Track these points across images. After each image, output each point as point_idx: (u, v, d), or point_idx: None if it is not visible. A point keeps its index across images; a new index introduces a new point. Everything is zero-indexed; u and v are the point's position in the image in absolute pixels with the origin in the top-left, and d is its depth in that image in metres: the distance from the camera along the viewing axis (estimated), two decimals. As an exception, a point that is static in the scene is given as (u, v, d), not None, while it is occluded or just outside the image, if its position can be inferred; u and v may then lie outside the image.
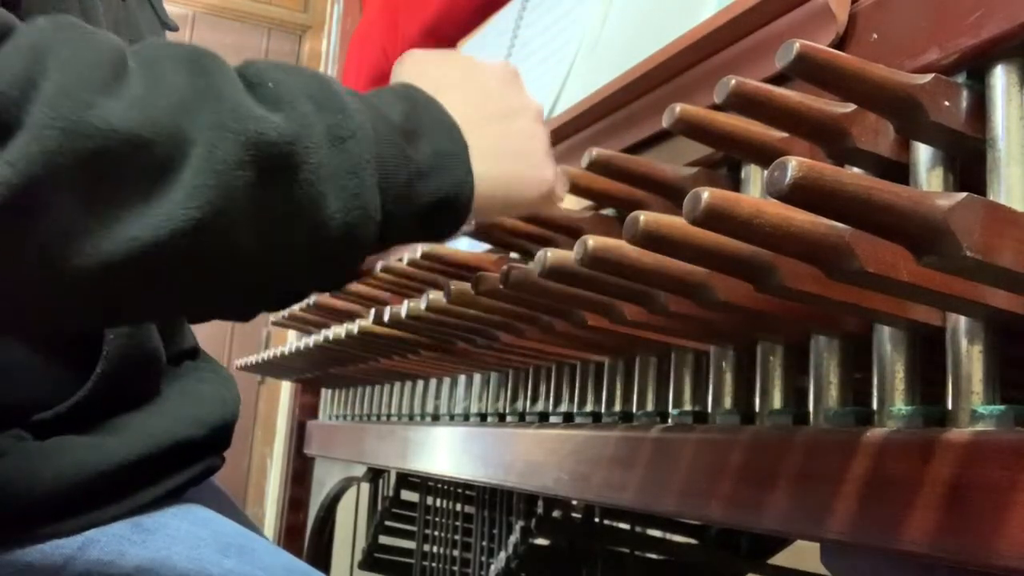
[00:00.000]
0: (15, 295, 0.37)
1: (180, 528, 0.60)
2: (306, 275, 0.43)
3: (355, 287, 0.88)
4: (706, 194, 0.33)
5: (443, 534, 1.27)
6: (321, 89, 0.42)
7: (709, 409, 0.58)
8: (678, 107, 0.46)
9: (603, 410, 0.70)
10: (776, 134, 0.49)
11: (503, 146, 0.49)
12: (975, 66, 0.44)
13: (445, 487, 1.28)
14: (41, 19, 0.37)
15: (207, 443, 0.65)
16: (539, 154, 0.50)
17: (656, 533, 1.35)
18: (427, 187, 0.44)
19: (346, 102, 0.42)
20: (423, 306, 0.64)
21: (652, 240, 0.37)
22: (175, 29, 0.74)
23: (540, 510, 1.09)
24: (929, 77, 0.42)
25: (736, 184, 0.59)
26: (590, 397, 0.72)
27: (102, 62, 0.36)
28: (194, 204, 0.36)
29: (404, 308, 0.69)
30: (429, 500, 1.31)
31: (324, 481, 1.55)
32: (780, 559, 1.34)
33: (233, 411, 0.68)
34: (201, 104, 0.38)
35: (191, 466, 0.64)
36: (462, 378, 0.96)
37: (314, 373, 1.28)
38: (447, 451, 0.93)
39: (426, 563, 1.31)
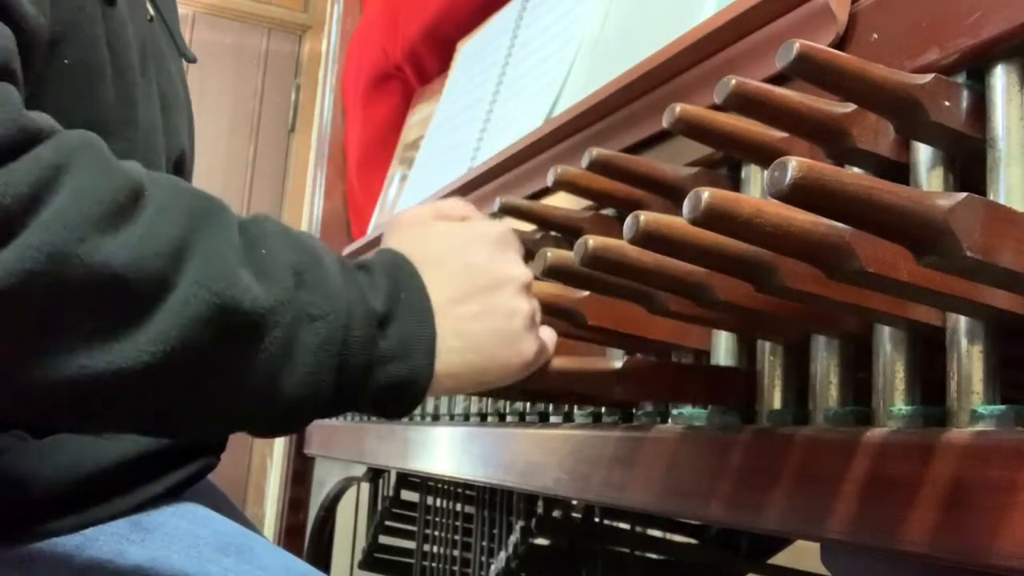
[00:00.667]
0: None
1: (179, 527, 0.60)
2: (253, 424, 0.45)
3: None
4: (706, 194, 0.33)
5: (443, 534, 1.27)
6: (311, 264, 0.44)
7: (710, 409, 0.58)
8: (678, 107, 0.46)
9: (603, 410, 0.70)
10: (776, 134, 0.49)
11: (478, 326, 0.49)
12: (975, 66, 0.44)
13: (445, 487, 1.28)
14: (75, 137, 0.39)
15: (204, 441, 0.65)
16: (516, 332, 0.50)
17: (656, 533, 1.35)
18: (384, 372, 0.45)
19: (330, 282, 0.44)
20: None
21: (652, 240, 0.37)
22: (193, 60, 0.74)
23: (540, 510, 1.09)
24: (929, 77, 0.42)
25: (736, 184, 0.59)
26: (590, 397, 0.72)
27: (110, 198, 0.38)
28: (151, 348, 0.39)
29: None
30: (429, 500, 1.31)
31: (324, 481, 1.55)
32: (780, 559, 1.34)
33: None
34: (191, 257, 0.40)
35: (188, 464, 0.64)
36: (462, 378, 0.96)
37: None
38: (447, 451, 0.93)
39: (426, 563, 1.31)
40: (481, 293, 0.49)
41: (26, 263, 0.36)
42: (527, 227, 0.73)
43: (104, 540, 0.55)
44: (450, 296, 0.48)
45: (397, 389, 0.46)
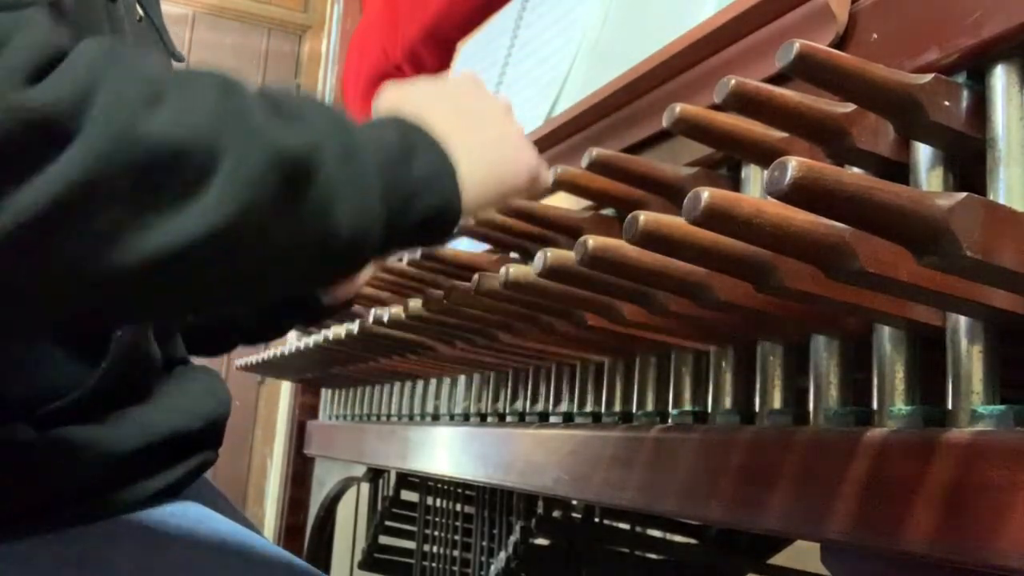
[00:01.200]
0: (62, 291, 0.41)
1: (179, 526, 0.60)
2: (313, 275, 0.49)
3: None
4: (706, 194, 0.33)
5: (443, 534, 1.27)
6: (331, 112, 0.47)
7: (709, 409, 0.58)
8: (678, 107, 0.46)
9: (603, 410, 0.70)
10: (776, 134, 0.49)
11: (484, 148, 0.55)
12: (975, 66, 0.44)
13: (445, 487, 1.28)
14: (94, 42, 0.41)
15: (201, 436, 0.66)
16: (516, 146, 0.57)
17: (656, 533, 1.35)
18: (424, 200, 0.49)
19: (352, 124, 0.48)
20: (423, 306, 0.64)
21: (652, 240, 0.37)
22: (181, 60, 0.76)
23: (540, 510, 1.09)
24: (929, 77, 0.42)
25: (736, 184, 0.59)
26: (590, 397, 0.72)
27: (148, 81, 0.41)
28: (223, 209, 0.41)
29: (404, 308, 0.69)
30: (429, 500, 1.31)
31: (324, 481, 1.55)
32: (780, 559, 1.34)
33: (225, 406, 0.69)
34: (231, 121, 0.42)
35: (187, 459, 0.65)
36: (462, 378, 0.96)
37: (314, 373, 1.28)
38: (447, 451, 0.93)
39: (426, 563, 1.31)
40: (474, 124, 0.55)
41: (96, 151, 0.38)
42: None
43: (104, 539, 0.55)
44: (450, 130, 0.52)
45: (438, 215, 0.50)
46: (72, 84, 0.39)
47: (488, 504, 1.16)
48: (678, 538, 1.36)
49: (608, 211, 0.70)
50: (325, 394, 1.53)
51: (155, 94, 0.40)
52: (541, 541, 1.18)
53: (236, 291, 0.47)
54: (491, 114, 0.58)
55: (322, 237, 0.45)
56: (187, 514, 0.63)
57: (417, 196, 0.49)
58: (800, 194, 0.32)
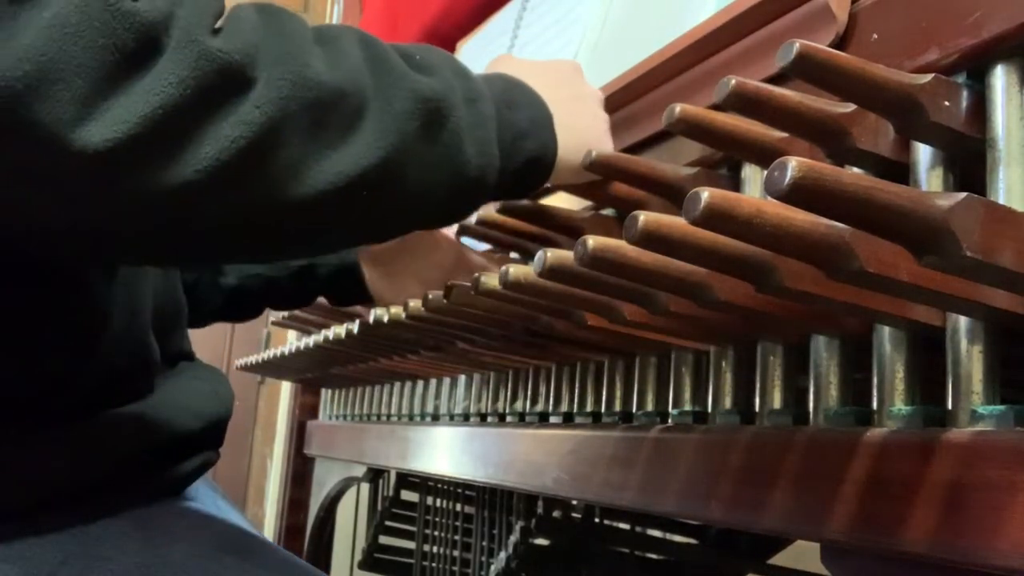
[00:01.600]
0: (247, 219, 0.45)
1: (180, 526, 0.60)
2: (445, 208, 0.54)
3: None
4: (706, 194, 0.33)
5: (443, 534, 1.27)
6: (452, 62, 0.53)
7: (709, 409, 0.58)
8: (678, 107, 0.46)
9: (603, 410, 0.70)
10: (776, 134, 0.49)
11: (576, 121, 0.60)
12: (975, 66, 0.44)
13: (445, 487, 1.28)
14: (248, 5, 0.46)
15: (203, 436, 0.66)
16: (603, 130, 0.62)
17: (656, 533, 1.35)
18: (526, 145, 0.55)
19: (473, 76, 0.54)
20: (423, 306, 0.64)
21: (652, 240, 0.37)
22: None
23: (540, 510, 1.09)
24: (929, 77, 0.42)
25: (736, 184, 0.59)
26: (590, 397, 0.72)
27: (303, 35, 0.46)
28: (379, 144, 0.47)
29: (404, 308, 0.69)
30: (429, 500, 1.31)
31: (324, 481, 1.55)
32: (780, 559, 1.34)
33: (227, 406, 0.70)
34: (375, 68, 0.48)
35: (188, 459, 0.65)
36: (462, 378, 0.96)
37: (314, 373, 1.28)
38: (447, 451, 0.93)
39: (426, 563, 1.31)
40: (571, 99, 0.61)
41: (279, 92, 0.43)
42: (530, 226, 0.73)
43: (105, 538, 0.55)
44: (549, 97, 0.58)
45: (535, 161, 0.56)
46: (246, 36, 0.43)
47: (488, 504, 1.16)
48: (678, 538, 1.36)
49: (608, 211, 0.70)
50: (325, 394, 1.53)
51: (312, 45, 0.46)
52: (541, 541, 1.17)
53: (386, 219, 0.52)
54: (588, 98, 0.63)
55: (455, 170, 0.50)
56: (188, 513, 0.63)
57: (522, 139, 0.55)
58: (800, 194, 0.32)
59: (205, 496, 0.72)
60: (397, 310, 0.71)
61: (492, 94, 0.54)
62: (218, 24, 0.44)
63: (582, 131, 0.60)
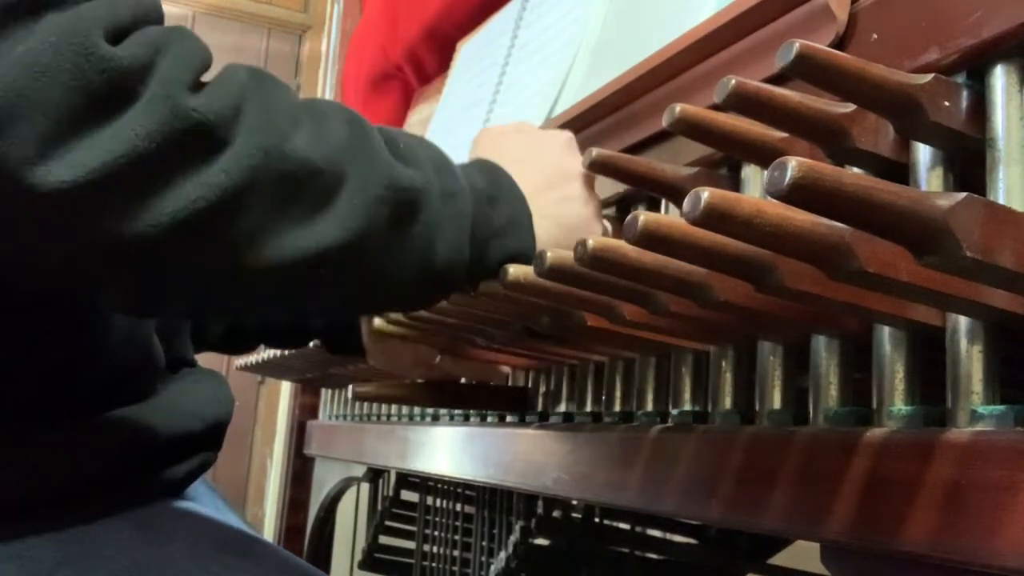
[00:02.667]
0: (205, 280, 0.45)
1: (179, 526, 0.60)
2: (410, 297, 0.54)
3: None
4: (706, 194, 0.33)
5: (443, 534, 1.27)
6: (437, 154, 0.53)
7: (709, 409, 0.58)
8: (678, 107, 0.46)
9: (603, 410, 0.70)
10: (776, 134, 0.49)
11: (558, 209, 0.59)
12: (975, 66, 0.44)
13: (445, 487, 1.28)
14: (241, 66, 0.46)
15: (203, 438, 0.66)
16: (588, 215, 0.60)
17: (656, 533, 1.35)
18: (502, 245, 0.55)
19: (454, 169, 0.53)
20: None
21: (652, 240, 0.37)
22: None
23: (540, 510, 1.09)
24: (929, 77, 0.42)
25: (736, 184, 0.59)
26: (590, 397, 0.72)
27: (290, 106, 0.46)
28: (346, 226, 0.46)
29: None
30: (429, 500, 1.31)
31: (324, 481, 1.55)
32: (780, 559, 1.34)
33: (227, 409, 0.70)
34: (356, 150, 0.48)
35: (187, 460, 0.65)
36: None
37: (314, 373, 1.28)
38: (447, 451, 0.93)
39: (426, 563, 1.31)
40: (559, 184, 0.59)
41: (250, 160, 0.43)
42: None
43: (104, 537, 0.55)
44: (535, 187, 0.57)
45: (511, 259, 0.55)
46: (228, 98, 0.43)
47: (488, 504, 1.16)
48: (678, 538, 1.36)
49: (608, 211, 0.70)
50: (325, 394, 1.53)
51: (296, 118, 0.46)
52: (541, 541, 1.17)
53: (345, 300, 0.52)
54: (574, 179, 0.61)
55: (422, 263, 0.50)
56: (187, 513, 0.63)
57: (497, 239, 0.54)
58: (800, 194, 0.32)
59: (204, 497, 0.72)
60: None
61: (472, 189, 0.54)
62: (205, 78, 0.44)
63: (565, 221, 0.59)
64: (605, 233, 0.61)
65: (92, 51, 0.40)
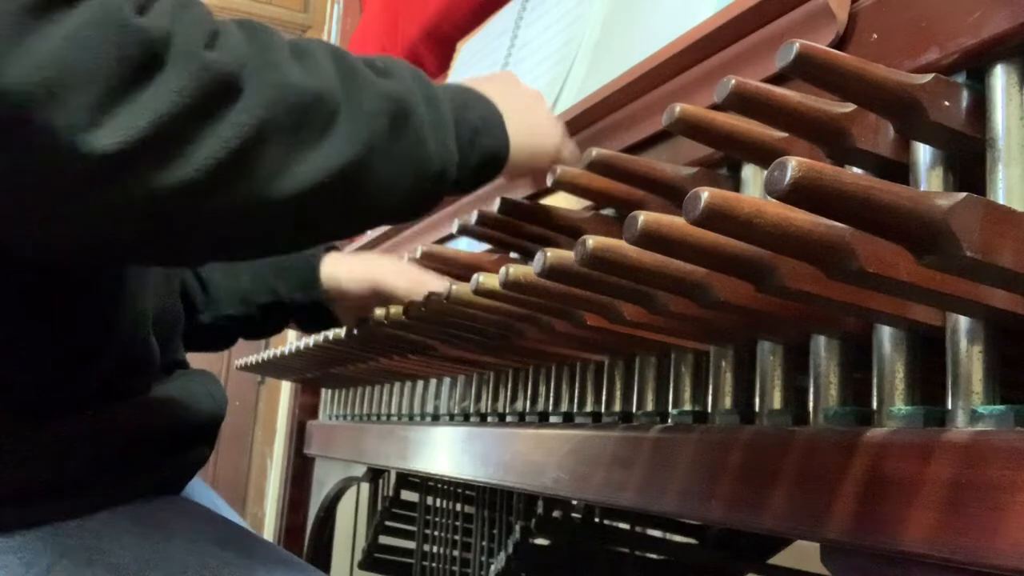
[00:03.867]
0: (242, 214, 0.49)
1: (179, 522, 0.60)
2: (409, 202, 0.58)
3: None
4: (706, 194, 0.33)
5: (443, 534, 1.27)
6: (410, 68, 0.58)
7: (709, 409, 0.58)
8: (678, 107, 0.46)
9: (603, 410, 0.70)
10: (776, 134, 0.49)
11: (521, 116, 0.65)
12: (975, 66, 0.44)
13: (445, 487, 1.28)
14: (229, 20, 0.51)
15: (198, 433, 0.67)
16: (548, 120, 0.69)
17: (656, 533, 1.35)
18: (481, 141, 0.61)
19: (429, 80, 0.58)
20: (423, 306, 0.64)
21: (652, 240, 0.37)
22: None
23: (540, 510, 1.09)
24: (929, 77, 0.42)
25: (736, 184, 0.59)
26: (590, 397, 0.72)
27: (282, 46, 0.51)
28: (352, 141, 0.51)
29: (404, 308, 0.69)
30: (429, 500, 1.31)
31: (324, 481, 1.55)
32: (780, 559, 1.34)
33: (221, 406, 0.72)
34: (345, 75, 0.52)
35: (183, 454, 0.66)
36: (462, 378, 0.96)
37: (314, 373, 1.28)
38: (447, 451, 0.93)
39: (426, 563, 1.31)
40: (514, 97, 0.67)
41: (265, 97, 0.47)
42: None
43: (104, 532, 0.56)
44: (501, 100, 0.65)
45: (490, 156, 0.62)
46: (237, 48, 0.48)
47: (488, 504, 1.16)
48: (678, 538, 1.36)
49: (608, 211, 0.70)
50: (325, 394, 1.53)
51: (289, 56, 0.50)
52: (541, 541, 1.17)
53: (361, 213, 0.56)
54: (527, 95, 0.70)
55: (419, 164, 0.55)
56: (187, 510, 0.63)
57: (478, 136, 0.60)
58: (800, 194, 0.32)
59: (202, 496, 0.72)
60: (397, 310, 0.71)
61: (447, 97, 0.59)
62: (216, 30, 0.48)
63: (531, 125, 0.67)
64: (565, 138, 0.70)
65: (128, 24, 0.44)
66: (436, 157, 0.56)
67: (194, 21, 0.47)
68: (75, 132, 0.42)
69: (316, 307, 0.93)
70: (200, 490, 0.76)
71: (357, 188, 0.52)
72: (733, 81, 0.40)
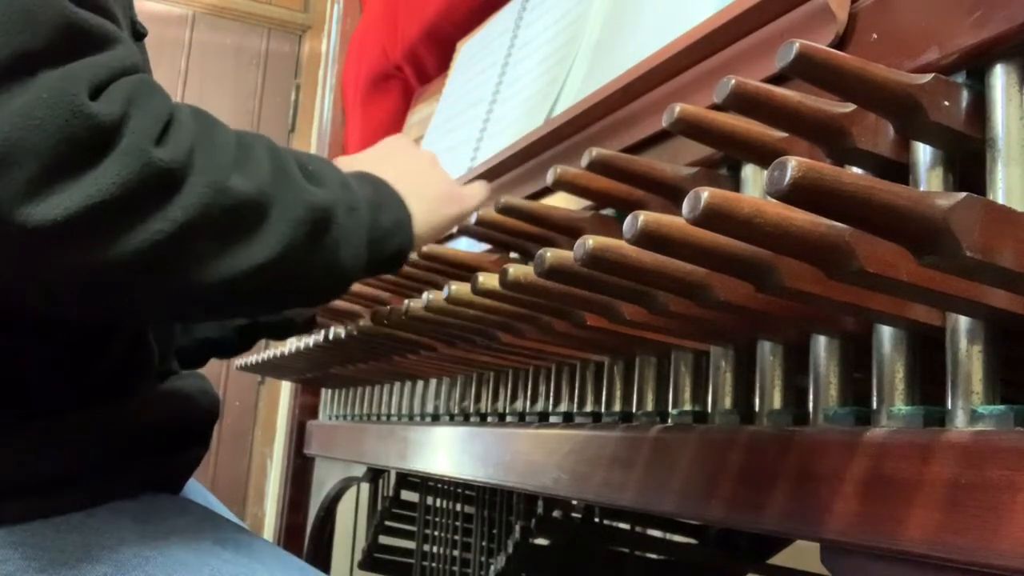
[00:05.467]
0: (171, 297, 0.53)
1: (180, 521, 0.61)
2: (322, 293, 0.64)
3: (356, 287, 0.88)
4: (706, 194, 0.33)
5: (443, 534, 1.27)
6: (337, 173, 0.63)
7: (709, 409, 0.58)
8: (678, 107, 0.46)
9: (603, 410, 0.70)
10: (776, 134, 0.49)
11: (417, 190, 0.70)
12: (975, 66, 0.44)
13: (445, 487, 1.28)
14: (186, 107, 0.54)
15: (192, 431, 0.69)
16: (446, 187, 0.74)
17: (656, 533, 1.35)
18: (391, 243, 0.66)
19: (353, 185, 0.63)
20: (423, 306, 0.64)
21: (652, 240, 0.37)
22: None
23: (540, 510, 1.09)
24: (929, 77, 0.42)
25: (736, 184, 0.59)
26: (590, 397, 0.72)
27: (228, 144, 0.54)
28: (276, 244, 0.54)
29: (404, 308, 0.69)
30: (429, 500, 1.31)
31: (324, 481, 1.55)
32: (780, 559, 1.34)
33: (215, 407, 0.74)
34: (279, 178, 0.56)
35: (180, 451, 0.68)
36: (462, 378, 0.96)
37: (314, 373, 1.28)
38: (447, 451, 0.93)
39: (426, 563, 1.31)
40: (409, 174, 0.72)
41: (201, 199, 0.50)
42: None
43: (105, 529, 0.57)
44: (404, 183, 0.69)
45: (396, 254, 0.67)
46: (184, 144, 0.50)
47: (488, 504, 1.16)
48: (678, 538, 1.36)
49: (608, 211, 0.70)
50: (325, 394, 1.53)
51: (234, 156, 0.54)
52: (541, 541, 1.17)
53: (274, 302, 0.62)
54: (424, 165, 0.75)
55: (331, 269, 0.60)
56: (186, 509, 0.64)
57: (390, 237, 0.66)
58: (800, 194, 0.32)
59: (200, 498, 0.73)
60: (397, 310, 0.71)
61: (366, 201, 0.64)
62: (170, 124, 0.51)
63: (432, 203, 0.72)
64: (464, 199, 0.74)
65: (79, 107, 0.46)
66: (348, 262, 0.61)
67: (148, 112, 0.50)
68: (15, 204, 0.45)
69: (287, 321, 1.02)
70: (197, 493, 0.77)
71: (276, 283, 0.56)
72: (733, 81, 0.40)
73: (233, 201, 0.52)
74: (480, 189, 0.78)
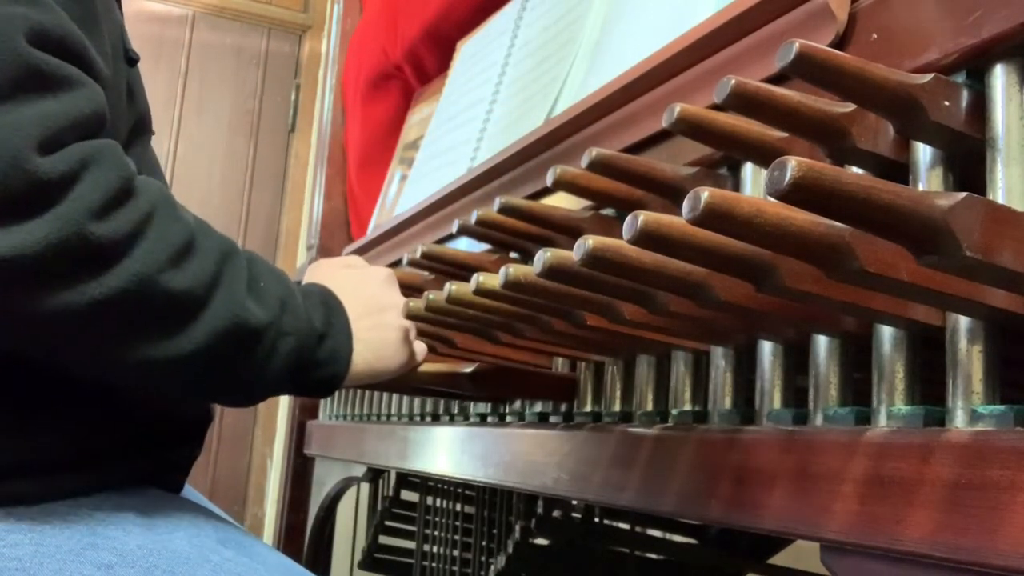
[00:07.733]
0: (75, 359, 0.55)
1: (182, 519, 0.62)
2: (232, 400, 0.64)
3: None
4: (706, 194, 0.33)
5: (443, 534, 1.27)
6: (288, 295, 0.63)
7: (709, 409, 0.58)
8: (678, 107, 0.46)
9: (603, 410, 0.70)
10: (776, 134, 0.49)
11: (374, 335, 0.70)
12: (975, 66, 0.44)
13: (445, 487, 1.28)
14: (155, 188, 0.54)
15: (189, 429, 0.70)
16: (398, 341, 0.72)
17: (656, 533, 1.35)
18: (319, 372, 0.65)
19: (299, 310, 0.63)
20: (423, 306, 0.64)
21: (652, 240, 0.37)
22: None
23: (540, 510, 1.09)
24: (929, 77, 0.42)
25: (736, 184, 0.59)
26: (590, 397, 0.72)
27: (179, 243, 0.54)
28: (192, 346, 0.55)
29: (404, 308, 0.69)
30: (429, 500, 1.31)
31: (324, 481, 1.55)
32: (780, 559, 1.34)
33: (210, 406, 0.74)
34: (219, 286, 0.57)
35: (177, 448, 0.68)
36: (462, 378, 0.96)
37: (314, 373, 1.28)
38: (447, 451, 0.93)
39: (426, 563, 1.31)
40: (375, 313, 0.71)
41: (123, 284, 0.51)
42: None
43: (110, 521, 0.57)
44: (356, 315, 0.69)
45: (326, 383, 0.66)
46: (127, 226, 0.51)
47: (488, 504, 1.16)
48: (678, 538, 1.36)
49: (608, 211, 0.70)
50: (325, 394, 1.52)
51: (179, 254, 0.54)
52: (541, 541, 1.17)
53: (190, 395, 0.64)
54: (389, 310, 0.72)
55: (251, 383, 0.61)
56: (188, 508, 0.65)
57: (316, 369, 0.65)
58: (800, 194, 0.32)
59: (200, 503, 0.73)
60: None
61: (308, 326, 0.64)
62: (123, 195, 0.51)
63: (376, 344, 0.71)
64: (411, 358, 0.73)
65: (20, 160, 0.47)
66: (265, 384, 0.61)
67: (98, 182, 0.50)
68: None
69: None
70: (197, 499, 0.77)
71: (188, 380, 0.58)
72: (733, 81, 0.40)
73: (157, 296, 0.52)
74: (423, 349, 0.76)
